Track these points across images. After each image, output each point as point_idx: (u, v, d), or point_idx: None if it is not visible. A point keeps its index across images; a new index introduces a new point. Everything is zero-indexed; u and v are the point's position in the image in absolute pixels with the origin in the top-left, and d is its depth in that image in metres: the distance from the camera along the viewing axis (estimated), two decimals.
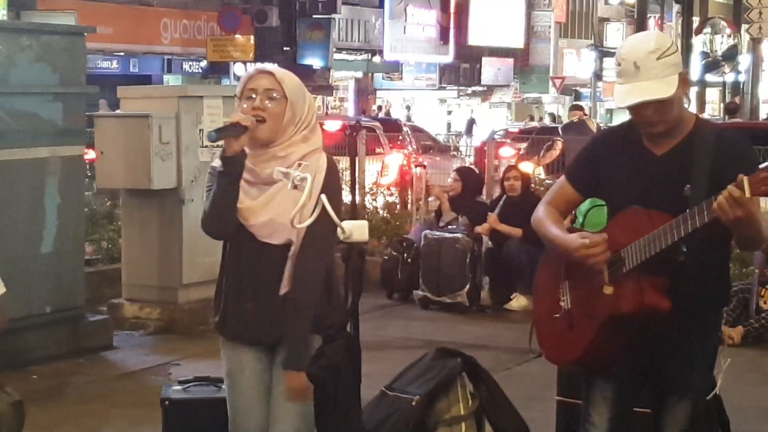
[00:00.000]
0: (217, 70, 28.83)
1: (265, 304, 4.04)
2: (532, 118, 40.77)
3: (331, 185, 4.01)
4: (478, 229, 10.41)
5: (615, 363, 3.94)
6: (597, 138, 4.22)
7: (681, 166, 3.81)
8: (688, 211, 3.63)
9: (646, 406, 4.10)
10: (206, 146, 9.01)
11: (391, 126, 22.12)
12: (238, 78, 28.28)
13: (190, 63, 29.84)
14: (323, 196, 3.85)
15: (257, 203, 4.00)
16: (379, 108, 36.50)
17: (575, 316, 3.94)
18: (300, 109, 4.01)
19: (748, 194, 3.46)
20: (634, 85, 3.76)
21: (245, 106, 3.99)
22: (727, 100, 36.28)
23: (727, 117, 21.73)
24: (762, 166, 3.49)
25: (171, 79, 28.49)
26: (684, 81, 3.84)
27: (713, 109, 45.48)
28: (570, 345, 3.97)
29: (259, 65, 4.15)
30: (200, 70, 29.79)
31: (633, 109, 3.82)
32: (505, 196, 10.60)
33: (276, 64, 29.69)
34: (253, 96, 3.99)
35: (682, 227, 3.64)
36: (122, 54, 27.53)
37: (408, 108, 41.34)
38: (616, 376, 3.99)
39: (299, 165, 3.93)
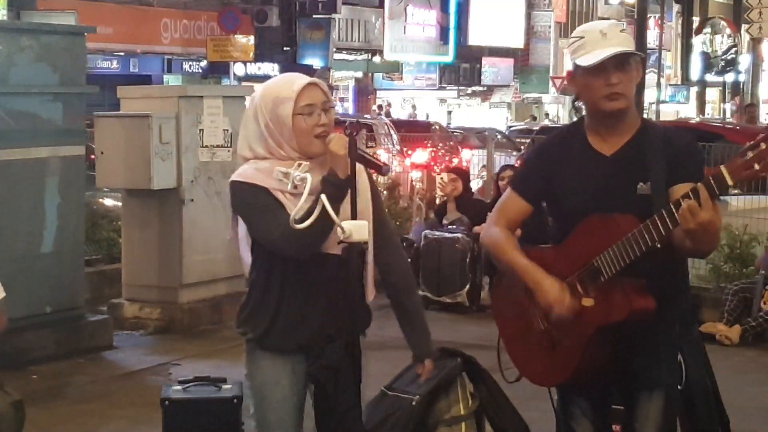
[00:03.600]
0: (217, 70, 28.81)
1: (328, 310, 3.97)
2: (534, 118, 40.75)
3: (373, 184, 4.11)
4: (478, 228, 10.40)
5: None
6: (541, 145, 4.12)
7: (632, 164, 3.77)
8: (663, 210, 3.54)
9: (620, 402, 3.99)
10: (206, 146, 9.01)
11: (421, 127, 22.66)
12: (238, 78, 28.30)
13: (190, 63, 29.80)
14: (323, 196, 3.81)
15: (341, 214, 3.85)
16: (380, 107, 36.47)
17: (556, 334, 3.85)
18: None
19: (729, 182, 3.40)
20: (604, 49, 3.71)
21: (307, 121, 3.89)
22: (728, 99, 36.32)
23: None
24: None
25: (171, 79, 28.45)
26: (640, 66, 3.82)
27: (713, 109, 45.47)
28: (558, 365, 3.87)
29: (300, 76, 3.98)
30: (200, 70, 29.75)
31: (599, 81, 3.73)
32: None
33: (277, 65, 29.73)
34: (313, 111, 3.90)
35: (661, 227, 3.54)
36: (122, 54, 27.51)
37: (414, 107, 41.31)
38: (586, 387, 3.93)
39: (299, 165, 3.88)
